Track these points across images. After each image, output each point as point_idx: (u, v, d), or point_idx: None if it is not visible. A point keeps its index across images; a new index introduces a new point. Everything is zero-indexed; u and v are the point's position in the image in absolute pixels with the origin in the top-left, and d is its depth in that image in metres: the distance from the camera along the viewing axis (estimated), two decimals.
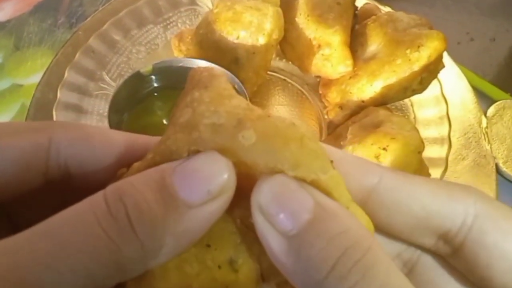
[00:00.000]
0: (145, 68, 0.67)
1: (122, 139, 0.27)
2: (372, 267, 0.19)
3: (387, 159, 0.54)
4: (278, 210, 0.21)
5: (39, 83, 0.75)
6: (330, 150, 0.26)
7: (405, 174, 0.25)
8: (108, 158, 0.26)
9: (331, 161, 0.23)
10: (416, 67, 0.61)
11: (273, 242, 0.21)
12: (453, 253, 0.25)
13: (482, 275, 0.23)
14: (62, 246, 0.19)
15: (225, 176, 0.21)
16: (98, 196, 0.21)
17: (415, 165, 0.56)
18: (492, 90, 0.81)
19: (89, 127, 0.27)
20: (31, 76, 0.83)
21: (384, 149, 0.54)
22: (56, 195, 0.26)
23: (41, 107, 0.73)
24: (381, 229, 0.25)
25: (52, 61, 0.78)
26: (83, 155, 0.26)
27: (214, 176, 0.21)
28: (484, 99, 0.79)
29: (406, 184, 0.25)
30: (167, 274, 0.23)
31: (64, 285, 0.19)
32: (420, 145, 0.56)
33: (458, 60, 0.80)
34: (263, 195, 0.21)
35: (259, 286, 0.23)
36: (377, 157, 0.55)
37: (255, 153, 0.22)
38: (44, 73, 0.76)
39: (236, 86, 0.65)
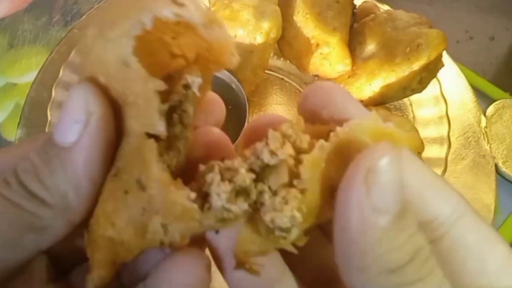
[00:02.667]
0: None
1: None
2: (435, 267, 0.21)
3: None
4: (387, 185, 0.20)
5: (33, 82, 0.75)
6: (346, 104, 0.25)
7: (415, 157, 0.26)
8: None
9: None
10: (416, 66, 0.61)
11: (359, 216, 0.20)
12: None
13: (454, 269, 0.24)
14: None
15: (83, 98, 0.22)
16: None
17: None
18: (491, 89, 0.81)
19: None
20: (26, 74, 0.82)
21: None
22: None
23: (35, 106, 0.72)
24: None
25: (46, 59, 0.77)
26: None
27: (75, 105, 0.22)
28: (483, 98, 0.79)
29: (413, 162, 0.25)
30: (97, 220, 0.23)
31: None
32: (420, 145, 0.55)
33: (457, 58, 0.79)
34: (382, 163, 0.20)
35: (178, 186, 0.22)
36: None
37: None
38: (39, 72, 0.76)
39: (233, 85, 0.65)
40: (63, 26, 0.89)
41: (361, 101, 0.65)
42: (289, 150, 0.22)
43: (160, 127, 0.22)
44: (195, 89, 0.25)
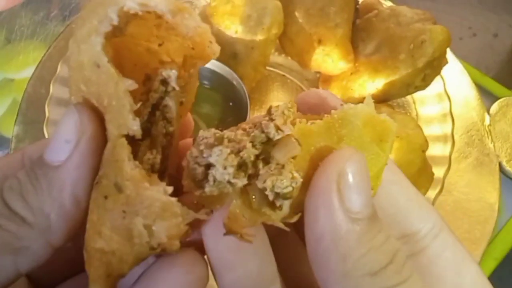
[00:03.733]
0: None
1: None
2: (413, 271, 0.21)
3: (390, 158, 0.53)
4: (358, 188, 0.21)
5: (31, 78, 0.74)
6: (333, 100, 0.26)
7: (400, 171, 0.27)
8: None
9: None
10: (420, 63, 0.60)
11: (335, 222, 0.20)
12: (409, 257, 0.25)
13: (432, 283, 0.24)
14: None
15: (74, 118, 0.23)
16: None
17: (419, 164, 0.55)
18: (495, 86, 0.80)
19: None
20: (23, 70, 0.81)
21: None
22: None
23: (33, 102, 0.71)
24: None
25: (44, 54, 0.76)
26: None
27: (67, 125, 0.23)
28: (487, 96, 0.78)
29: (401, 178, 0.26)
30: (87, 233, 0.23)
31: None
32: (424, 144, 0.55)
33: (459, 55, 0.78)
34: (354, 166, 0.21)
35: (153, 179, 0.22)
36: None
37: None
38: (36, 67, 0.75)
39: (234, 82, 0.64)
40: (61, 21, 0.88)
41: (364, 98, 0.64)
42: (290, 126, 0.22)
43: (134, 127, 0.22)
44: (173, 83, 0.25)
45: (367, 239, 0.20)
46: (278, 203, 0.21)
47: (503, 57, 0.87)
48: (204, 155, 0.22)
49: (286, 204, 0.21)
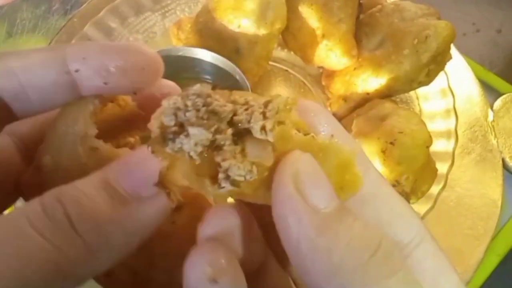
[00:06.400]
0: None
1: None
2: (404, 264, 0.21)
3: (394, 153, 0.52)
4: (316, 184, 0.20)
5: None
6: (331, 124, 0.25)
7: (382, 179, 0.26)
8: None
9: None
10: (424, 58, 0.60)
11: (301, 220, 0.20)
12: None
13: None
14: None
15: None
16: (34, 200, 0.20)
17: (422, 159, 0.55)
18: (498, 82, 0.80)
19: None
20: None
21: (391, 143, 0.53)
22: None
23: None
24: None
25: None
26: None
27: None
28: (490, 92, 0.78)
29: (382, 190, 0.25)
30: None
31: None
32: (428, 139, 0.54)
33: (463, 51, 0.78)
34: (304, 165, 0.20)
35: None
36: (383, 151, 0.53)
37: None
38: None
39: (237, 77, 0.64)
40: (62, 15, 0.88)
41: (368, 94, 0.64)
42: (274, 134, 0.21)
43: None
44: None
45: (345, 229, 0.20)
46: (222, 184, 0.21)
47: (507, 53, 0.87)
48: (187, 114, 0.20)
49: (228, 188, 0.21)
